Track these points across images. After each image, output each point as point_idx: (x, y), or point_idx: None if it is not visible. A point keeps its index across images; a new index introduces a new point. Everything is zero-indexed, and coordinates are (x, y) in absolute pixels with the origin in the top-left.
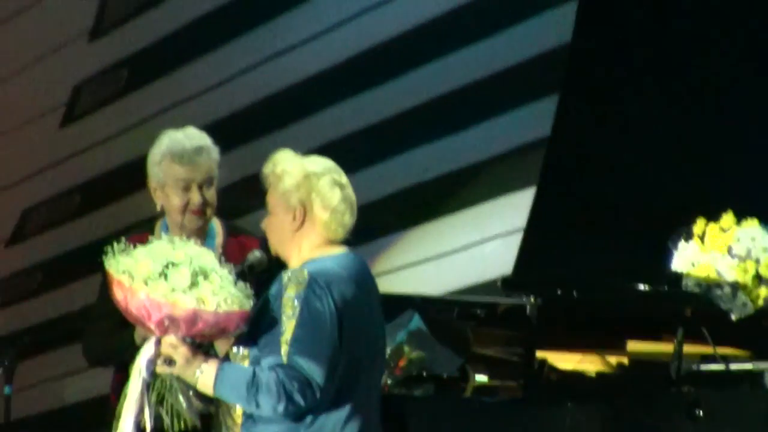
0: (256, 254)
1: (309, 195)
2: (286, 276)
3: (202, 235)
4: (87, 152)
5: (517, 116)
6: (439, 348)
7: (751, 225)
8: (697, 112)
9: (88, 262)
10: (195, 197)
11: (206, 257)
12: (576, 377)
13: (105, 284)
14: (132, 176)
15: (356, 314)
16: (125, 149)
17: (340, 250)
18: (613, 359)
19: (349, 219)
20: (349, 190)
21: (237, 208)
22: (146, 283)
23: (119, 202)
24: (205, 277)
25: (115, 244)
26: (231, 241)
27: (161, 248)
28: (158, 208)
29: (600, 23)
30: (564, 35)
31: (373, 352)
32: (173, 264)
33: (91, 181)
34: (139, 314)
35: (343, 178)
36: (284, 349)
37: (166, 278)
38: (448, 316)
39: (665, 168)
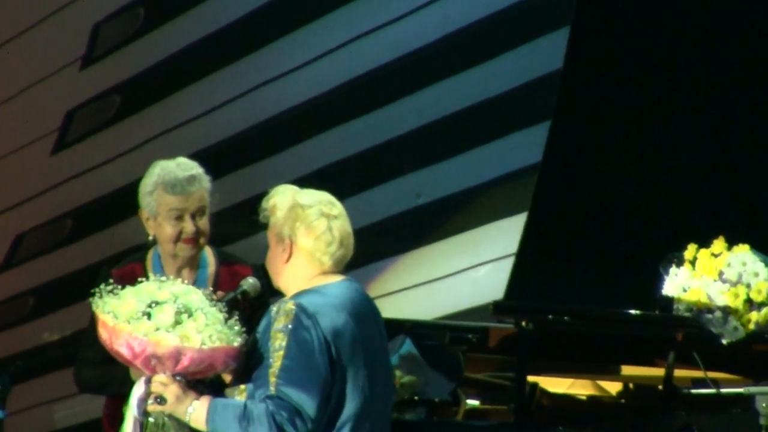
0: (249, 281)
1: (294, 225)
2: (274, 309)
3: (194, 265)
4: (79, 178)
5: (509, 142)
6: (431, 372)
7: (742, 250)
8: (689, 137)
9: (81, 287)
10: (188, 227)
11: (192, 295)
12: (567, 401)
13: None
14: (124, 202)
15: (349, 342)
16: (117, 175)
17: (335, 279)
18: (604, 383)
19: (336, 249)
20: (341, 222)
21: (228, 235)
22: (129, 322)
23: (111, 228)
24: (189, 315)
25: (102, 286)
26: (223, 270)
27: (148, 288)
28: (150, 237)
29: (591, 50)
30: (555, 62)
31: (374, 378)
32: (157, 303)
33: (83, 206)
34: (123, 353)
35: (335, 211)
36: (272, 381)
37: (150, 317)
38: (440, 341)
39: (657, 193)
